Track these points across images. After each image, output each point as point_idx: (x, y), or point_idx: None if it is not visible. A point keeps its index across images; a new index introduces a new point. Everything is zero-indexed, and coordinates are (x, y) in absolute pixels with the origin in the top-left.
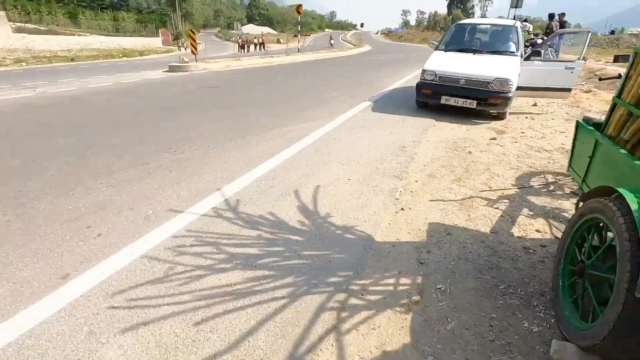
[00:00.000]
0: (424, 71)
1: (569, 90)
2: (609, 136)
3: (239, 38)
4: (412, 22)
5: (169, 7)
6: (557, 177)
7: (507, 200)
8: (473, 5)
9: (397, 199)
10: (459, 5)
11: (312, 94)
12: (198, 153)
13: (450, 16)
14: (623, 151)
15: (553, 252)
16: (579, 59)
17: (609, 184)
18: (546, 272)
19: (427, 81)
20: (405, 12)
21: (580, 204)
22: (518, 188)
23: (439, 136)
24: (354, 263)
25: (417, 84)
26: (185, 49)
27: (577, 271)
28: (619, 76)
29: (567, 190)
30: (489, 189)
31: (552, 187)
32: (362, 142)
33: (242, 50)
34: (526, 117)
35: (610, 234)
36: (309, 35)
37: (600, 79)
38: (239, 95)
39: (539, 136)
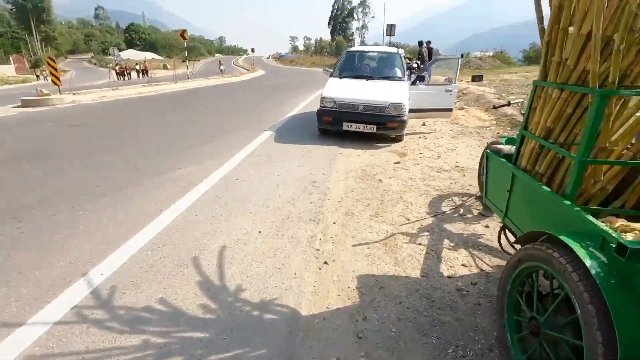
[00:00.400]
0: (323, 98)
1: (450, 110)
2: (524, 169)
3: (117, 64)
4: (301, 47)
5: (23, 30)
6: (463, 199)
7: (427, 233)
8: (352, 33)
9: (318, 249)
10: (340, 32)
11: (207, 125)
12: (55, 220)
13: (335, 42)
14: (546, 188)
15: (485, 291)
16: (453, 82)
17: (540, 227)
18: (486, 319)
19: (327, 108)
20: (293, 38)
21: (506, 236)
22: (433, 216)
23: (347, 165)
24: (280, 358)
25: (318, 112)
26: (45, 78)
27: (530, 330)
28: (509, 104)
29: (475, 212)
30: (407, 221)
31: (461, 211)
32: (269, 181)
33: (122, 77)
34: (420, 137)
35: (556, 281)
36: (199, 60)
37: (494, 107)
38: (115, 135)
39: (436, 156)
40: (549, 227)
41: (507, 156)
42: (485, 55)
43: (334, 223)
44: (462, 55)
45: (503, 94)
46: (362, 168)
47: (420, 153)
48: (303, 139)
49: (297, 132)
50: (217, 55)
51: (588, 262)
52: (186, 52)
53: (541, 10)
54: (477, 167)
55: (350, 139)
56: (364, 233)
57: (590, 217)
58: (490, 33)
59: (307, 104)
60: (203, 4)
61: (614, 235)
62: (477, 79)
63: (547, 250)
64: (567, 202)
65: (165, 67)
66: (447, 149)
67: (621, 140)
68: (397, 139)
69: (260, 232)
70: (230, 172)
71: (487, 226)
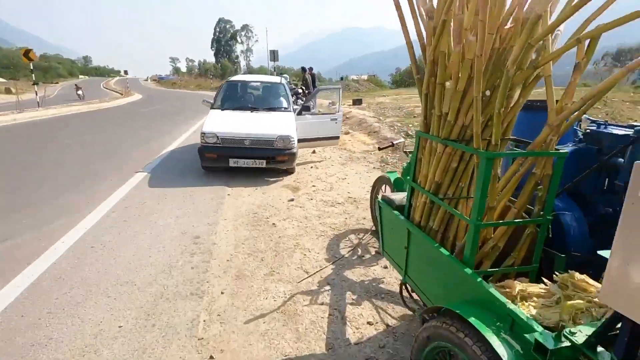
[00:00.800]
0: (204, 134)
1: (337, 137)
2: (419, 224)
3: None
4: (183, 69)
5: None
6: (359, 236)
7: (328, 287)
8: (237, 56)
9: (202, 338)
10: (224, 55)
11: (57, 172)
12: None
13: (219, 64)
14: (445, 252)
15: (395, 354)
16: (337, 111)
17: (443, 295)
18: None
19: (210, 144)
20: (174, 59)
21: (408, 291)
22: (332, 263)
23: (237, 208)
24: None
25: (200, 149)
26: None
27: None
28: (392, 144)
29: (372, 251)
30: (306, 274)
31: (359, 252)
32: (139, 244)
33: None
34: (311, 167)
35: None
36: (56, 83)
37: (379, 149)
38: None
39: (328, 188)
40: (454, 296)
41: (400, 208)
42: (361, 78)
43: (222, 293)
44: (342, 78)
45: (380, 117)
46: (254, 211)
47: (314, 186)
48: (185, 179)
49: (178, 170)
50: (81, 77)
51: (502, 354)
52: (33, 74)
53: (414, 58)
54: (367, 196)
55: (239, 175)
56: (259, 300)
57: (497, 294)
58: (363, 58)
59: (191, 134)
60: (61, 19)
61: (525, 321)
62: (357, 102)
63: (459, 333)
64: (469, 271)
65: (8, 92)
66: (339, 179)
67: (503, 197)
68: (289, 171)
69: (121, 326)
70: (85, 235)
71: (385, 267)
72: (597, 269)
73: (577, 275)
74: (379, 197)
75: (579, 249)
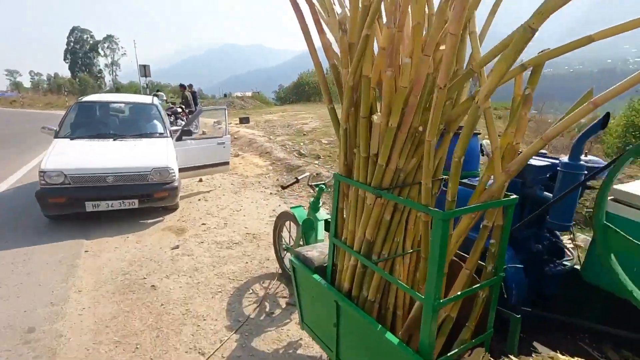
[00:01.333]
0: (43, 173)
1: (226, 163)
2: (348, 294)
3: None
4: (27, 84)
5: None
6: (264, 285)
7: None
8: (100, 70)
9: None
10: (83, 68)
11: None
12: None
13: (77, 79)
14: (393, 338)
15: None
16: (225, 134)
17: None
18: None
19: (54, 186)
20: (12, 73)
21: None
22: (235, 331)
23: (99, 271)
24: None
25: (39, 194)
26: None
27: None
28: (297, 180)
29: (283, 303)
30: (201, 357)
31: (267, 307)
32: None
33: None
34: (199, 199)
35: None
36: None
37: (282, 188)
38: None
39: (222, 224)
40: None
41: (321, 269)
42: (246, 95)
43: None
44: (226, 95)
45: (271, 137)
46: (124, 270)
47: (204, 224)
48: (17, 234)
49: (9, 221)
50: None
51: None
52: None
53: (326, 85)
54: (268, 229)
55: (101, 221)
56: None
57: None
58: (246, 75)
59: (35, 166)
60: None
61: None
62: (244, 121)
63: None
64: None
65: None
66: (233, 211)
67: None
68: (172, 208)
69: None
70: None
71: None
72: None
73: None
74: (291, 256)
75: (525, 302)
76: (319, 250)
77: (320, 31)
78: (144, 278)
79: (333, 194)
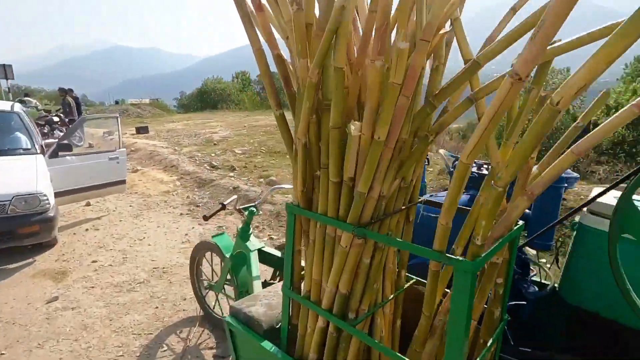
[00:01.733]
0: None
1: (123, 182)
2: None
3: None
4: None
5: None
6: (182, 336)
7: None
8: None
9: None
10: None
11: None
12: None
13: None
14: None
15: None
16: (119, 147)
17: None
18: None
19: None
20: None
21: None
22: None
23: None
24: None
25: None
26: None
27: None
28: (223, 207)
29: (210, 357)
30: None
31: None
32: None
33: None
34: (87, 230)
35: None
36: None
37: (205, 218)
38: None
39: (120, 259)
40: None
41: (272, 333)
42: (142, 102)
43: None
44: (117, 102)
45: (176, 148)
46: None
47: (94, 261)
48: None
49: None
50: None
51: None
52: None
53: (272, 87)
54: (180, 260)
55: None
56: None
57: None
58: (141, 80)
59: None
60: None
61: None
62: (142, 130)
63: None
64: None
65: None
66: (134, 240)
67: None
68: (46, 245)
69: None
70: None
71: None
72: None
73: None
74: (227, 317)
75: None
76: (263, 303)
77: (258, 8)
78: (1, 354)
79: (287, 232)
